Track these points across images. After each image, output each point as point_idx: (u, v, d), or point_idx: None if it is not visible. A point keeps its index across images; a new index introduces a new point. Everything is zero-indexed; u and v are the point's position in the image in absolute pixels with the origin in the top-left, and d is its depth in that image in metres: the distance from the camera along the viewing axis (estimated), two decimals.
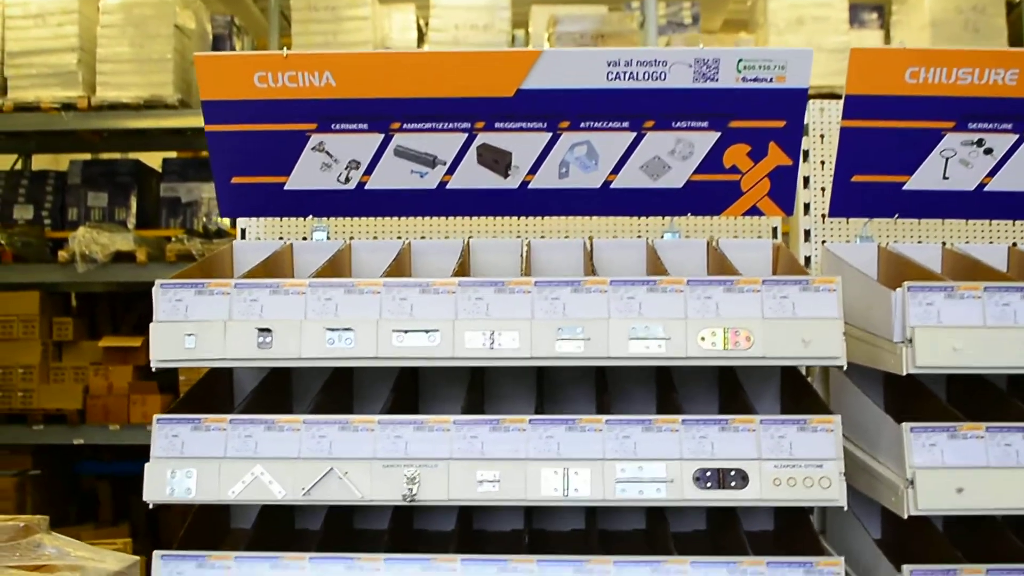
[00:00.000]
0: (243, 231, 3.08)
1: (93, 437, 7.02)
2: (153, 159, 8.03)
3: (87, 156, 8.19)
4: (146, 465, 2.31)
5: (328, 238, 2.91)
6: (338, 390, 2.77)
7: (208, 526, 2.68)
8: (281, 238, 3.06)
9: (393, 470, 2.27)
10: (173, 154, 8.21)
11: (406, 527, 2.78)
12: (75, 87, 7.06)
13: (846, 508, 2.28)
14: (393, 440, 2.29)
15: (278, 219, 3.06)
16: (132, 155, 8.27)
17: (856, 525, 2.63)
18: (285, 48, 2.61)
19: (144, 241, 7.02)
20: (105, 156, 8.29)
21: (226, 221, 7.44)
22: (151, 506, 2.34)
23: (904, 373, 2.31)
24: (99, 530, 7.18)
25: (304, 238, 3.00)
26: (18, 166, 8.05)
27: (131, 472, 7.54)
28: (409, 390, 2.83)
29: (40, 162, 8.44)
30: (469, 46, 7.33)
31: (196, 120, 7.21)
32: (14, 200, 7.52)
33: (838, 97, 3.18)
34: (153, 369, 2.34)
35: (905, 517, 2.28)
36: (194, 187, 7.61)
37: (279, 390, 2.82)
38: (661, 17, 7.72)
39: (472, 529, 2.83)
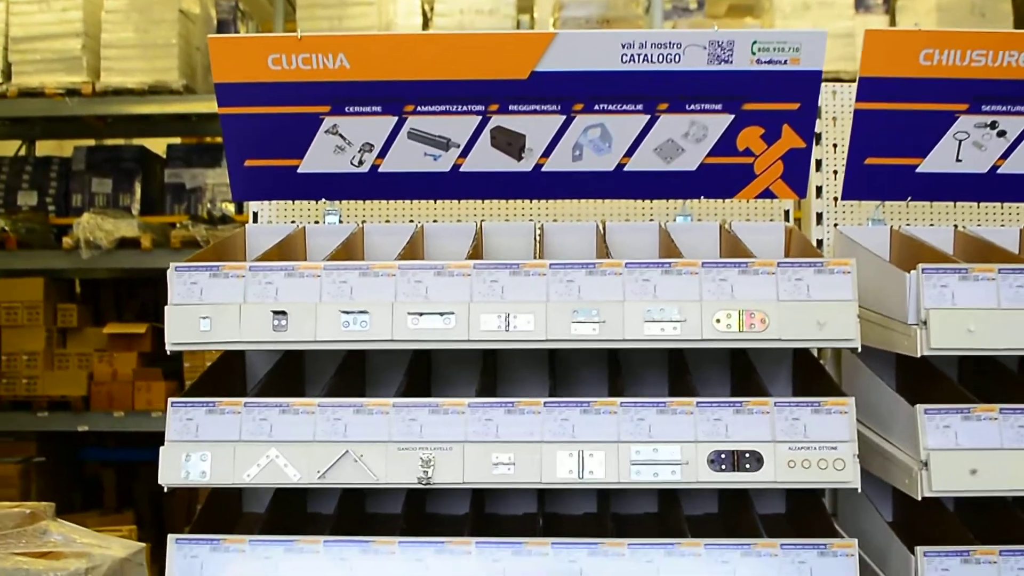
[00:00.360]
0: (255, 215, 3.07)
1: (98, 424, 7.04)
2: (157, 145, 8.02)
3: (91, 142, 8.19)
4: (161, 448, 2.31)
5: (340, 221, 2.91)
6: (351, 374, 2.77)
7: (221, 510, 2.69)
8: (293, 221, 3.06)
9: (408, 453, 2.27)
10: (177, 140, 8.21)
11: (419, 511, 2.79)
12: (79, 72, 7.06)
13: (859, 490, 2.29)
14: (408, 423, 2.29)
15: (290, 202, 3.06)
16: (136, 141, 8.26)
17: (868, 507, 2.64)
18: (299, 33, 2.60)
19: (148, 227, 7.02)
20: (109, 142, 8.29)
21: (231, 207, 7.43)
22: (166, 489, 2.34)
23: (919, 355, 2.31)
24: (104, 517, 7.20)
25: (316, 221, 3.00)
26: (22, 152, 8.04)
27: (136, 459, 7.61)
28: (422, 374, 2.83)
29: (44, 148, 8.43)
30: (474, 30, 7.31)
31: (201, 106, 7.22)
32: (18, 186, 7.52)
33: (843, 82, 3.18)
34: (168, 352, 2.34)
35: (919, 499, 2.28)
36: (198, 173, 7.60)
37: (292, 374, 2.82)
38: (667, 2, 7.68)
39: (485, 513, 2.84)
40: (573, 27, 7.35)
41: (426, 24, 7.81)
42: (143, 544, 3.27)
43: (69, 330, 7.45)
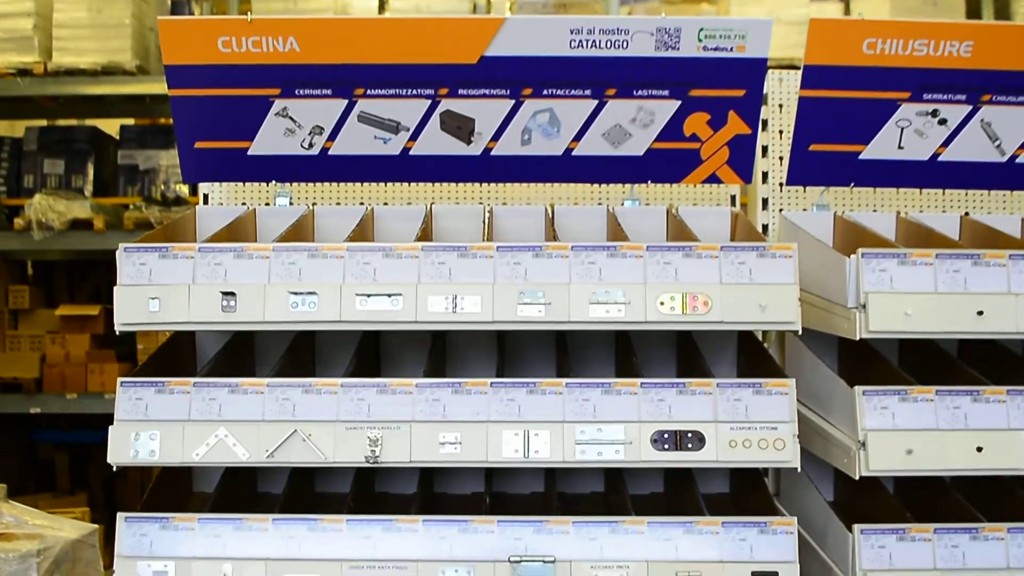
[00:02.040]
0: (205, 196, 3.08)
1: (50, 406, 6.98)
2: (111, 126, 7.94)
3: (43, 122, 8.09)
4: (110, 428, 2.32)
5: (291, 204, 2.92)
6: (301, 355, 2.79)
7: (171, 489, 2.70)
8: (244, 203, 3.06)
9: (356, 432, 2.30)
10: (131, 121, 8.13)
11: (368, 490, 2.81)
12: (31, 52, 6.97)
13: (799, 469, 2.34)
14: (356, 403, 2.32)
15: (241, 184, 3.06)
16: (89, 122, 8.18)
17: (809, 487, 2.70)
18: (249, 15, 2.60)
19: (101, 209, 6.96)
20: (62, 123, 8.19)
21: (185, 189, 7.39)
22: (115, 468, 2.35)
23: (857, 338, 2.36)
24: (57, 499, 7.15)
25: (267, 203, 3.01)
26: None
27: (89, 441, 7.56)
28: (371, 355, 2.85)
29: None
30: (431, 14, 7.30)
31: (154, 87, 7.15)
32: None
33: (796, 69, 3.22)
34: (117, 332, 2.35)
35: (856, 478, 2.34)
36: (152, 154, 7.54)
37: (242, 355, 2.83)
38: None
39: (433, 492, 2.87)
40: (530, 11, 7.35)
41: (382, 7, 7.79)
42: (96, 526, 3.28)
43: (21, 312, 7.38)
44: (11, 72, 6.93)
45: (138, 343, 6.92)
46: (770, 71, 3.06)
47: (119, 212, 7.01)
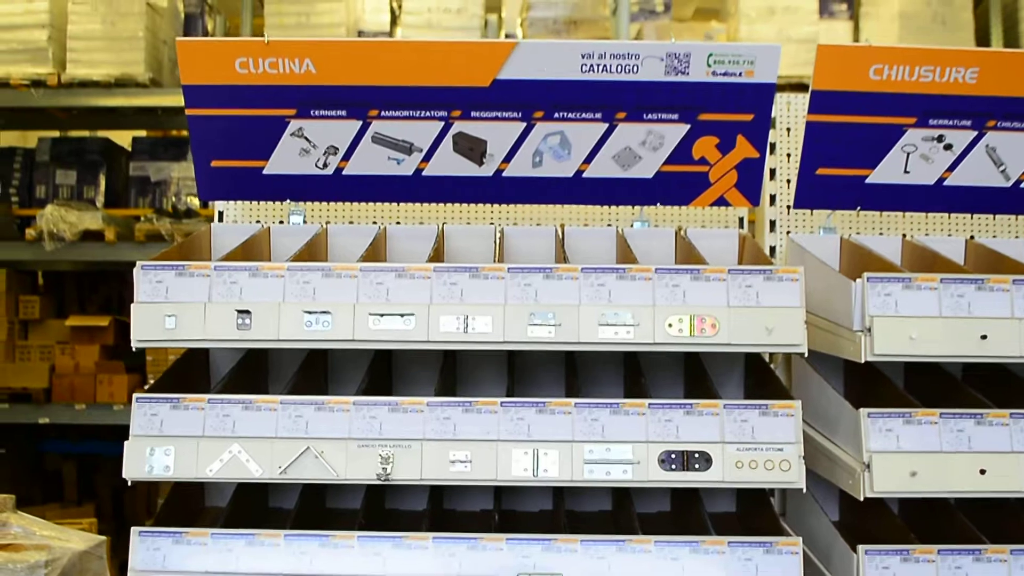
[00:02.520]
0: (220, 214, 3.12)
1: (59, 416, 7.01)
2: (123, 138, 8.00)
3: (56, 133, 8.16)
4: (126, 443, 2.36)
5: (305, 222, 2.96)
6: (313, 372, 2.83)
7: (184, 504, 2.74)
8: (258, 221, 3.10)
9: (368, 450, 2.33)
10: (143, 133, 8.19)
11: (378, 506, 2.84)
12: (45, 64, 7.03)
13: (804, 490, 2.37)
14: (368, 420, 2.35)
15: (256, 202, 3.10)
16: (101, 133, 8.24)
17: (815, 507, 2.72)
18: (265, 36, 2.64)
19: (113, 220, 7.00)
20: (74, 134, 8.26)
21: (196, 201, 7.43)
22: (130, 483, 2.39)
23: (863, 361, 2.40)
24: (64, 510, 7.18)
25: (281, 221, 3.05)
26: None
27: (97, 452, 7.59)
28: (383, 373, 2.89)
29: (7, 139, 8.39)
30: (442, 29, 7.35)
31: (167, 99, 7.20)
32: None
33: (806, 87, 3.26)
34: (134, 348, 2.39)
35: (861, 499, 2.37)
36: (164, 166, 7.59)
37: (255, 371, 2.87)
38: (633, 4, 7.75)
39: (443, 509, 2.90)
40: (540, 28, 7.41)
41: (394, 21, 7.84)
42: (103, 537, 3.30)
43: (31, 322, 7.43)
44: (25, 83, 6.99)
45: (147, 355, 6.95)
46: (778, 95, 3.09)
47: (130, 224, 7.05)
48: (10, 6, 7.07)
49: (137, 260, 6.69)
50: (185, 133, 8.02)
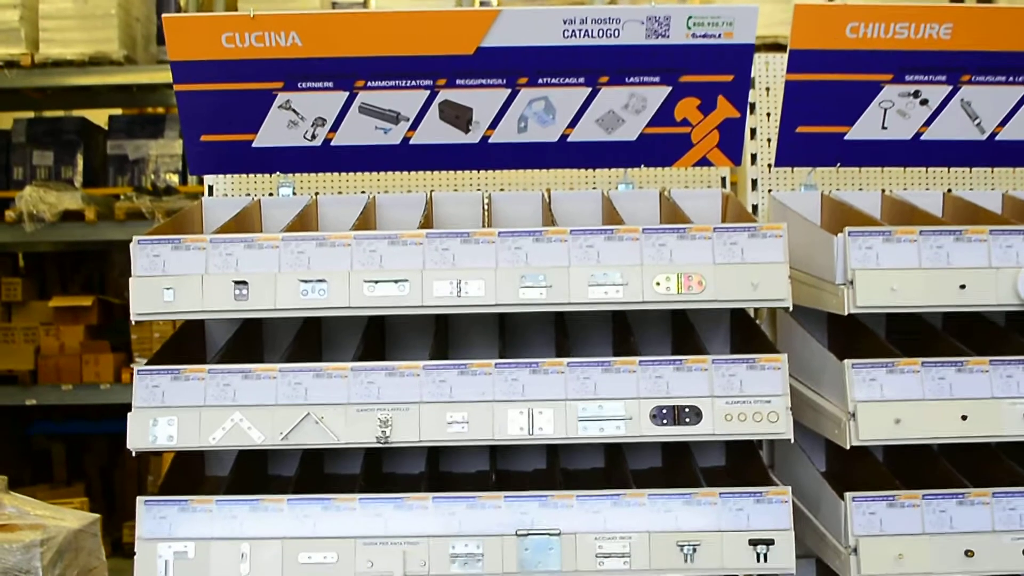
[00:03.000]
0: (210, 188, 3.15)
1: (46, 397, 7.05)
2: (99, 116, 7.98)
3: (31, 114, 8.12)
4: (128, 415, 2.39)
5: (294, 193, 2.99)
6: (309, 341, 2.87)
7: (185, 474, 2.78)
8: (248, 194, 3.14)
9: (367, 414, 2.38)
10: (119, 111, 8.17)
11: (377, 470, 2.90)
12: (18, 44, 7.01)
13: (792, 441, 2.44)
14: (366, 386, 2.40)
15: (245, 175, 3.13)
16: (77, 113, 8.21)
17: (802, 457, 2.80)
18: (239, 9, 2.66)
19: (92, 200, 7.01)
20: (49, 114, 8.22)
21: (175, 178, 7.44)
22: (134, 452, 2.42)
23: (845, 313, 2.46)
24: (54, 491, 7.22)
25: (271, 194, 3.08)
26: None
27: (85, 432, 7.61)
28: (377, 340, 2.94)
29: None
30: (423, 5, 7.34)
31: (142, 76, 7.19)
32: None
33: (784, 47, 3.31)
34: (133, 322, 2.42)
35: (847, 448, 2.44)
36: (141, 144, 7.59)
37: (252, 342, 2.92)
38: None
39: (440, 471, 2.96)
40: None
41: None
42: (96, 515, 3.34)
43: (14, 304, 7.44)
44: None
45: (132, 333, 6.98)
46: (757, 55, 3.14)
47: (110, 203, 7.06)
48: None
49: (118, 239, 6.70)
50: (161, 110, 8.00)
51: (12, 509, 3.31)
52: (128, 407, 2.40)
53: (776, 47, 6.34)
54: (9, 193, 7.17)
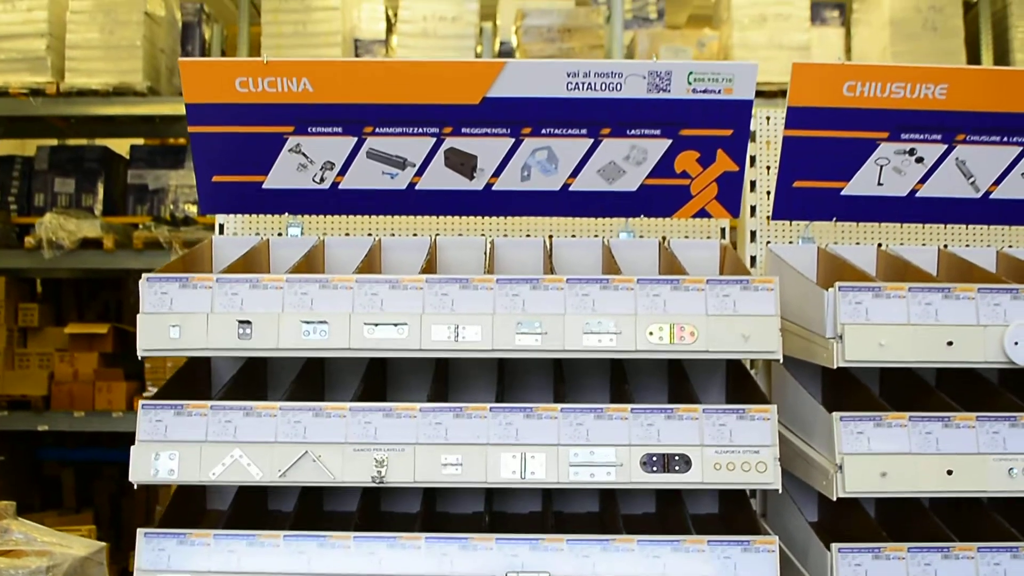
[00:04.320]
0: (221, 226, 3.22)
1: (58, 423, 7.09)
2: (120, 146, 8.10)
3: (54, 142, 8.25)
4: (132, 448, 2.46)
5: (302, 234, 3.07)
6: (311, 379, 2.93)
7: (186, 507, 2.84)
8: (257, 233, 3.21)
9: (363, 454, 2.44)
10: (141, 141, 8.29)
11: (374, 509, 2.95)
12: (44, 73, 7.13)
13: (780, 491, 2.49)
14: (363, 425, 2.46)
15: (255, 215, 3.21)
16: (99, 141, 8.34)
17: (792, 507, 2.83)
18: (263, 46, 2.75)
19: (111, 228, 7.09)
20: (72, 142, 8.35)
21: (193, 208, 7.53)
22: (136, 486, 2.48)
23: (835, 366, 2.51)
24: (63, 517, 7.26)
25: (280, 233, 3.16)
26: None
27: (95, 459, 7.65)
28: (378, 379, 3.00)
29: (6, 147, 8.48)
30: (437, 38, 7.46)
31: (165, 108, 7.30)
32: None
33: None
34: (140, 358, 2.50)
35: (834, 499, 2.48)
36: (161, 174, 7.69)
37: (255, 378, 2.98)
38: (627, 12, 7.85)
39: (436, 511, 3.01)
40: (535, 36, 7.50)
41: (390, 30, 7.95)
42: (103, 543, 3.39)
43: (30, 329, 7.51)
44: (24, 92, 7.10)
45: (146, 362, 7.03)
46: (757, 110, 3.21)
47: (128, 231, 7.15)
48: (9, 16, 7.17)
49: (135, 268, 6.78)
50: (183, 141, 8.12)
51: (20, 535, 3.36)
52: None
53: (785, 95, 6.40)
54: (30, 219, 7.26)
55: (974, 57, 7.63)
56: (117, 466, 7.67)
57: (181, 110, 7.23)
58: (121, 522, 7.80)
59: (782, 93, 6.97)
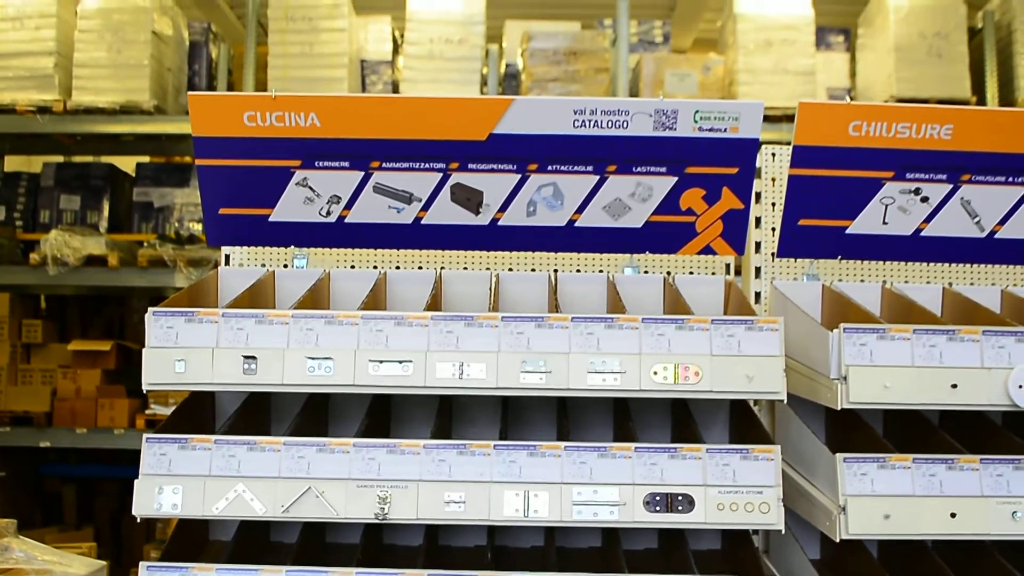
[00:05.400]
0: (227, 257, 3.23)
1: (60, 440, 7.09)
2: (126, 163, 8.13)
3: (60, 159, 8.28)
4: (135, 482, 2.46)
5: (307, 265, 3.08)
6: (315, 414, 2.94)
7: (189, 538, 2.84)
8: (263, 264, 3.22)
9: (366, 490, 2.45)
10: (146, 159, 8.32)
11: (376, 542, 2.95)
12: (51, 91, 7.18)
13: (783, 531, 2.49)
14: (367, 462, 2.47)
15: (261, 246, 3.22)
16: (105, 159, 8.36)
17: (795, 546, 2.83)
18: (273, 92, 2.76)
19: (116, 245, 7.11)
20: (78, 159, 8.38)
21: (199, 227, 7.54)
22: (138, 519, 2.49)
23: (839, 408, 2.51)
24: (63, 533, 7.26)
25: (285, 265, 3.16)
26: None
27: (97, 475, 7.66)
28: (382, 415, 3.00)
29: (12, 164, 8.51)
30: (443, 60, 7.49)
31: (171, 126, 7.34)
32: None
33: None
34: (144, 391, 2.50)
35: (837, 540, 2.48)
36: (167, 192, 7.71)
37: (260, 412, 2.98)
38: (633, 35, 7.89)
39: (438, 545, 3.01)
40: (541, 59, 7.53)
41: (396, 51, 7.98)
42: (103, 563, 3.38)
43: (33, 346, 7.53)
44: (31, 109, 7.13)
45: None
46: (763, 147, 3.22)
47: (133, 249, 7.16)
48: (17, 34, 7.22)
49: (140, 285, 6.74)
50: (188, 159, 8.14)
51: (20, 553, 3.36)
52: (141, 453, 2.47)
53: (791, 119, 6.42)
54: (35, 236, 7.28)
55: (979, 83, 7.65)
56: (118, 483, 7.68)
57: (187, 129, 7.23)
58: (121, 539, 7.80)
59: (787, 118, 7.00)
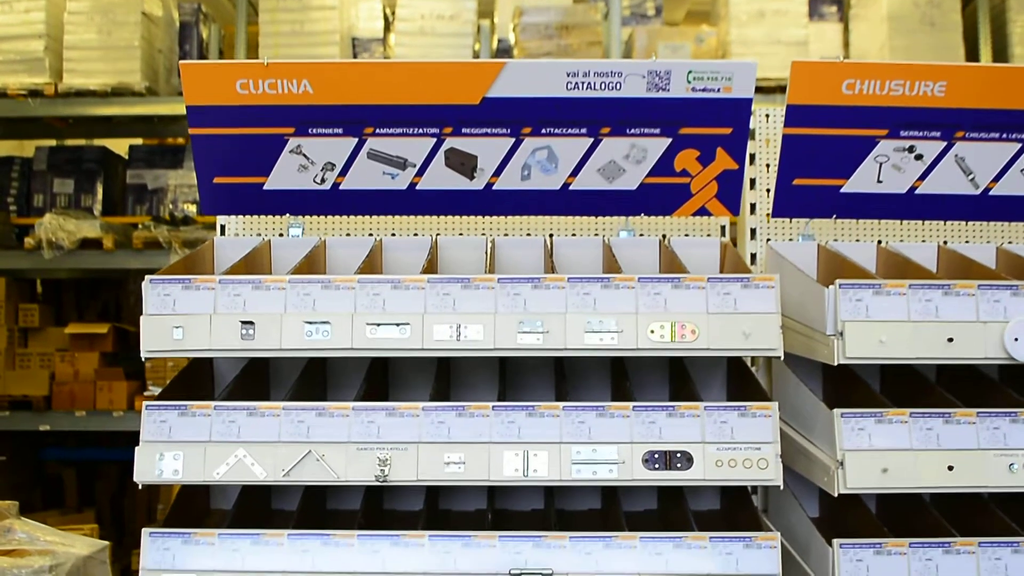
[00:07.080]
0: (222, 227, 3.23)
1: (59, 423, 7.10)
2: (119, 146, 8.10)
3: (53, 142, 8.26)
4: (136, 449, 2.47)
5: (303, 234, 3.08)
6: (313, 379, 2.94)
7: (191, 506, 2.85)
8: (259, 234, 3.22)
9: (366, 453, 2.45)
10: (139, 141, 8.29)
11: (377, 507, 2.96)
12: (42, 74, 7.15)
13: (782, 487, 2.50)
14: (366, 425, 2.47)
15: (256, 216, 3.22)
16: (98, 142, 8.34)
17: (794, 503, 2.85)
18: (260, 45, 2.76)
19: (111, 228, 7.10)
20: (71, 142, 8.36)
21: (193, 208, 7.54)
22: (140, 487, 2.49)
23: (835, 363, 2.52)
24: (65, 516, 7.27)
25: (281, 234, 3.17)
26: None
27: (97, 458, 7.67)
28: (380, 379, 3.01)
29: (5, 148, 8.49)
30: (435, 36, 7.46)
31: (163, 107, 7.32)
32: None
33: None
34: (143, 359, 2.51)
35: (835, 495, 2.49)
36: (160, 174, 7.69)
37: (258, 379, 2.99)
38: (625, 8, 7.85)
39: (439, 509, 3.02)
40: (533, 33, 7.51)
41: (388, 28, 7.95)
42: (106, 542, 3.40)
43: (31, 330, 7.52)
44: (22, 93, 7.11)
45: (147, 362, 7.04)
46: (757, 108, 3.22)
47: (128, 231, 7.15)
48: (6, 17, 7.18)
49: (135, 267, 6.76)
50: (181, 141, 8.13)
51: (22, 534, 3.37)
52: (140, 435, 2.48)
53: (784, 90, 6.42)
54: (29, 220, 7.27)
55: (972, 52, 7.64)
56: (118, 465, 7.69)
57: (179, 110, 7.27)
58: (123, 521, 7.82)
59: (780, 89, 6.99)
